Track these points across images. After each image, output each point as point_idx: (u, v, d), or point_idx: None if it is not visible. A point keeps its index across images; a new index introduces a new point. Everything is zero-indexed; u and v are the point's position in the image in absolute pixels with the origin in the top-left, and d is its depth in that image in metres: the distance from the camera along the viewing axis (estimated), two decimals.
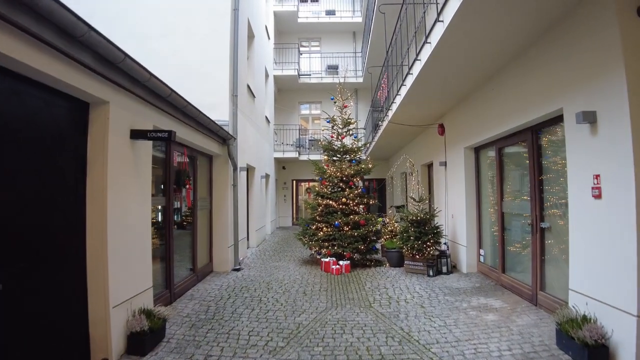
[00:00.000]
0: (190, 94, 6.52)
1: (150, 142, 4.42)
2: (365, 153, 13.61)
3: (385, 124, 9.42)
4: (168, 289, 5.35)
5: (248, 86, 9.87)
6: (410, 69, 6.30)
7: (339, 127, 9.03)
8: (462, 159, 7.34)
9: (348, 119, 9.02)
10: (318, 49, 18.66)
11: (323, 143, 9.01)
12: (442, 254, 7.38)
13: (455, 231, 7.83)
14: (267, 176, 14.12)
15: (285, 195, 17.95)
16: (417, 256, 7.34)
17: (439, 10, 4.37)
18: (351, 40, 18.47)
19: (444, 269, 7.29)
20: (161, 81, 4.10)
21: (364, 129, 15.91)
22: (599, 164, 3.51)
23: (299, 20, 17.38)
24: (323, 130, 9.18)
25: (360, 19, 17.41)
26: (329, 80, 16.87)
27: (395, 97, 7.81)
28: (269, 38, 14.70)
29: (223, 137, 7.16)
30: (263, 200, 12.69)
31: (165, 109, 4.68)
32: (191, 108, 5.26)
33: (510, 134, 5.65)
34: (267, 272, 7.52)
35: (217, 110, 7.56)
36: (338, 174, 8.54)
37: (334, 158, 8.98)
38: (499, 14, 3.87)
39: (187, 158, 6.02)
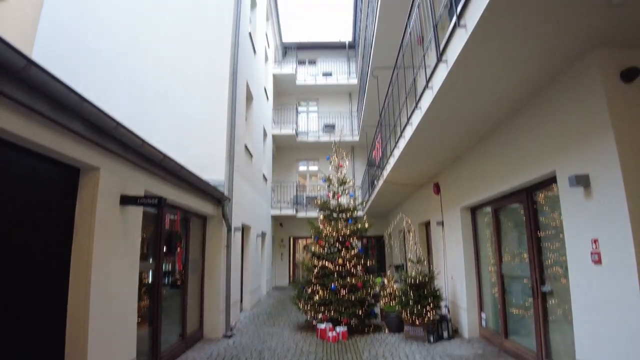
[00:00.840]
0: (187, 154, 6.63)
1: (140, 208, 4.36)
2: (362, 210, 13.55)
3: (380, 183, 9.46)
4: (154, 358, 5.02)
5: (245, 146, 10.02)
6: (402, 132, 6.42)
7: (335, 187, 9.04)
8: (459, 219, 7.25)
9: (344, 178, 9.05)
10: (315, 108, 19.28)
11: (319, 202, 8.97)
12: (443, 318, 7.06)
13: (455, 293, 7.55)
14: (263, 235, 13.93)
15: (282, 253, 17.59)
16: (417, 321, 7.01)
17: (427, 78, 4.52)
18: (347, 101, 19.13)
19: (445, 334, 6.93)
20: (153, 147, 4.13)
21: (361, 186, 15.98)
22: (597, 228, 3.43)
23: (297, 82, 18.12)
24: (319, 190, 9.14)
25: (355, 81, 18.16)
26: (326, 138, 17.23)
27: (389, 158, 7.90)
28: (267, 99, 15.22)
29: (218, 197, 7.13)
30: (258, 260, 12.40)
31: (158, 172, 4.67)
32: (185, 172, 5.27)
33: (505, 194, 5.63)
34: (260, 339, 7.13)
35: (212, 170, 7.61)
36: (334, 233, 8.40)
37: (330, 218, 8.88)
38: (485, 81, 4.00)
39: (179, 220, 5.93)
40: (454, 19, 3.46)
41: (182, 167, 4.99)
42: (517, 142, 4.91)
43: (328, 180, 9.07)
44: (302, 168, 18.94)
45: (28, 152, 2.92)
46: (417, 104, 5.14)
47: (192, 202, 6.24)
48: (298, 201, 16.81)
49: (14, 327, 2.85)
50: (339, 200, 8.90)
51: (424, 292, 7.14)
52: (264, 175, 13.64)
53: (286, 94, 18.73)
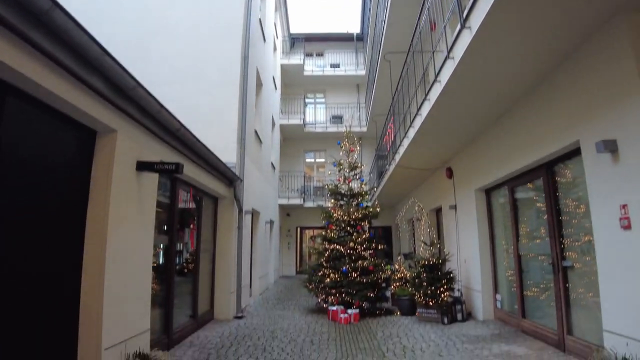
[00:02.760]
0: (198, 135, 6.57)
1: (156, 177, 4.32)
2: (370, 200, 13.46)
3: (392, 168, 9.37)
4: (166, 334, 4.99)
5: (255, 132, 9.97)
6: (418, 109, 6.33)
7: (346, 171, 8.96)
8: (473, 201, 7.16)
9: (354, 162, 8.98)
10: (323, 100, 19.20)
11: (330, 186, 8.90)
12: (457, 300, 6.98)
13: (469, 276, 7.47)
14: (271, 222, 13.90)
15: (289, 243, 17.57)
16: (431, 303, 6.94)
17: (449, 48, 4.43)
18: (355, 92, 19.02)
19: (459, 316, 6.86)
20: (171, 114, 4.09)
21: (370, 174, 15.88)
22: (625, 193, 3.35)
23: (305, 73, 18.04)
24: (329, 174, 9.09)
25: (363, 72, 18.05)
26: (333, 129, 17.15)
27: (403, 139, 7.81)
28: (276, 88, 15.15)
29: (230, 178, 7.08)
30: (267, 247, 12.37)
31: (173, 143, 4.63)
32: (200, 145, 5.23)
33: (522, 172, 5.53)
34: (271, 321, 7.09)
35: (224, 154, 7.53)
36: (345, 217, 8.34)
37: (341, 202, 8.82)
38: (508, 50, 3.90)
39: (192, 198, 5.89)
40: None
41: (197, 140, 4.95)
42: (536, 117, 4.82)
43: (339, 164, 9.00)
44: (309, 159, 18.88)
45: (47, 108, 2.86)
46: (436, 77, 5.05)
47: (205, 180, 6.20)
48: (305, 191, 16.77)
49: (28, 291, 2.80)
50: (350, 184, 8.83)
51: (437, 273, 7.07)
52: (272, 164, 13.59)
53: (294, 84, 18.65)
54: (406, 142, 7.43)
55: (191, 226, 5.77)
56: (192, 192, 5.88)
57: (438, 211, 10.10)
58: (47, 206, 2.97)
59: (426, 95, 5.70)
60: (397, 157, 8.50)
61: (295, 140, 18.14)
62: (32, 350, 2.76)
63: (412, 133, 6.93)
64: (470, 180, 7.32)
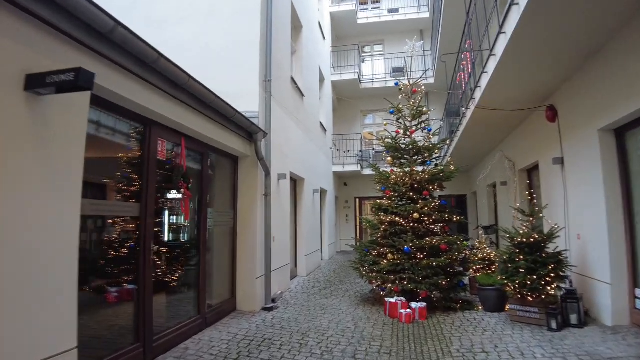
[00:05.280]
0: (213, 83, 4.93)
1: (84, 105, 2.69)
2: (441, 159, 11.11)
3: (469, 113, 7.03)
4: (140, 343, 3.49)
5: (293, 79, 8.14)
6: (502, 25, 4.05)
7: (407, 119, 6.82)
8: (596, 148, 4.75)
9: (419, 107, 6.78)
10: (381, 50, 16.70)
11: (385, 140, 6.83)
12: (570, 294, 4.75)
13: (585, 260, 5.12)
14: (323, 192, 12.19)
15: (347, 215, 15.81)
16: (531, 298, 4.79)
17: None
18: (418, 39, 16.25)
19: (574, 319, 4.65)
20: (141, 40, 2.39)
21: (439, 131, 13.36)
22: None
23: (359, 21, 15.64)
24: (385, 125, 6.97)
25: (427, 14, 15.21)
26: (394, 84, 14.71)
27: (487, 62, 5.48)
28: (324, 38, 13.10)
29: (247, 129, 5.35)
30: (317, 220, 10.70)
31: (149, 78, 3.00)
32: (193, 82, 3.60)
33: None
34: (308, 315, 5.42)
35: (244, 100, 5.83)
36: (407, 179, 6.29)
37: (402, 160, 6.75)
38: None
39: (184, 153, 4.25)
40: None
41: (189, 77, 3.35)
42: None
43: (397, 111, 6.86)
44: (368, 122, 16.71)
45: None
46: None
47: (211, 131, 4.56)
48: (363, 157, 14.74)
49: None
50: (413, 137, 6.69)
51: (540, 255, 4.85)
52: (321, 124, 11.74)
53: (347, 36, 16.35)
54: (492, 65, 5.11)
55: (183, 190, 4.14)
56: (184, 144, 4.24)
57: (530, 171, 7.60)
58: None
59: None
60: (478, 95, 6.18)
61: (350, 100, 16.04)
62: None
63: (500, 48, 4.63)
64: (589, 117, 4.89)
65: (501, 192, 9.48)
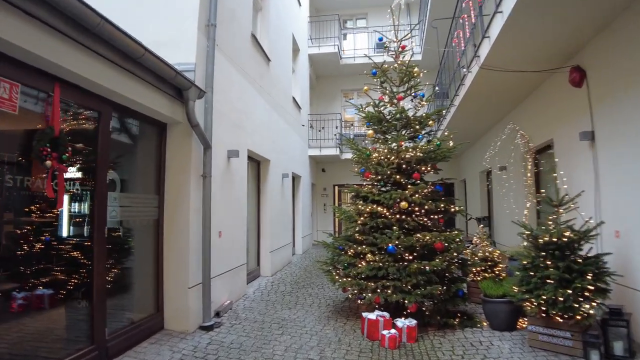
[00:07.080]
0: (142, 30, 3.46)
1: None
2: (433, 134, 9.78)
3: (471, 75, 5.66)
4: None
5: (255, 37, 6.62)
6: None
7: (393, 84, 5.42)
8: None
9: (407, 68, 5.35)
10: (365, 25, 15.19)
11: (364, 109, 5.41)
12: (614, 314, 3.49)
13: (628, 266, 3.86)
14: (296, 177, 10.76)
15: (325, 204, 14.43)
16: (561, 319, 3.51)
17: None
18: (405, 14, 14.81)
19: (618, 348, 3.41)
20: None
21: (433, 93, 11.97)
22: None
23: None
24: (365, 91, 5.49)
25: None
26: (378, 59, 13.23)
27: (499, 4, 4.10)
28: (300, 4, 11.53)
29: (170, 80, 3.80)
30: (287, 210, 9.26)
31: None
32: None
33: None
34: (259, 336, 4.03)
35: (180, 50, 4.33)
36: (392, 158, 4.91)
37: (386, 135, 5.36)
38: None
39: (57, 108, 2.72)
40: None
41: None
42: None
43: (380, 71, 5.43)
44: (348, 103, 15.26)
45: None
46: None
47: (109, 79, 3.05)
48: (343, 141, 13.30)
49: None
50: (401, 104, 5.28)
51: (575, 261, 3.55)
52: (294, 100, 10.23)
53: (328, 7, 14.77)
54: (510, 3, 3.72)
55: (49, 162, 2.62)
56: (58, 94, 2.72)
57: (541, 151, 6.31)
58: None
59: None
60: (484, 51, 4.80)
61: (329, 77, 14.54)
62: None
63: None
64: (630, 78, 3.59)
65: (497, 179, 8.22)
